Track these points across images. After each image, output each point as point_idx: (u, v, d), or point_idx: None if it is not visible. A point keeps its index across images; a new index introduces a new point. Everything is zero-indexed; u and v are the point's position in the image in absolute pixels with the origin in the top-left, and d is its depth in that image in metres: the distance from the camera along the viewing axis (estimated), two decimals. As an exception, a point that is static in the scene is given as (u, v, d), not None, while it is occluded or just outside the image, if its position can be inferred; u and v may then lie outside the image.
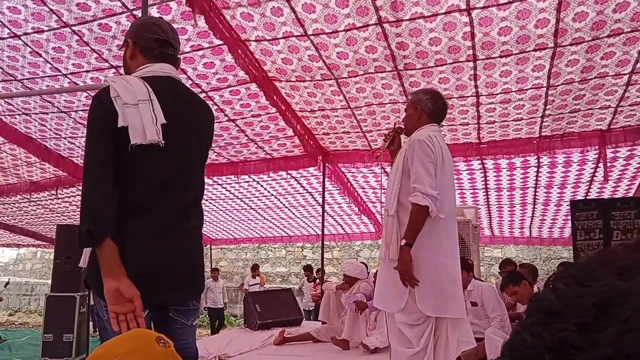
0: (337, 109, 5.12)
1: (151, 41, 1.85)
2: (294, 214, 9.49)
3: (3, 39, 3.98)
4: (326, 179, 6.82)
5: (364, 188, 7.65)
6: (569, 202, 6.99)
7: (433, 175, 2.67)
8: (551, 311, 0.43)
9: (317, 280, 10.01)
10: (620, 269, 0.44)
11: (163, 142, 1.66)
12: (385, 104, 4.89)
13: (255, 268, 11.49)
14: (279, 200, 8.67)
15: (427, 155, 2.69)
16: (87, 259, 1.72)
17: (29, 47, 4.07)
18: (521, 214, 8.44)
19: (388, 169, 3.37)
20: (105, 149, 1.64)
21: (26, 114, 5.35)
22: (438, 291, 2.67)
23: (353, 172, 7.06)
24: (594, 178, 6.52)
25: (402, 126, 3.11)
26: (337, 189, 7.56)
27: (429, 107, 2.91)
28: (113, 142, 1.64)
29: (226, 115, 5.22)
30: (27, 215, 10.14)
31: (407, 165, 2.75)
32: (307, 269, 10.93)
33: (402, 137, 3.12)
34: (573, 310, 0.42)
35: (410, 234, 2.64)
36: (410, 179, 2.71)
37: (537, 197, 7.46)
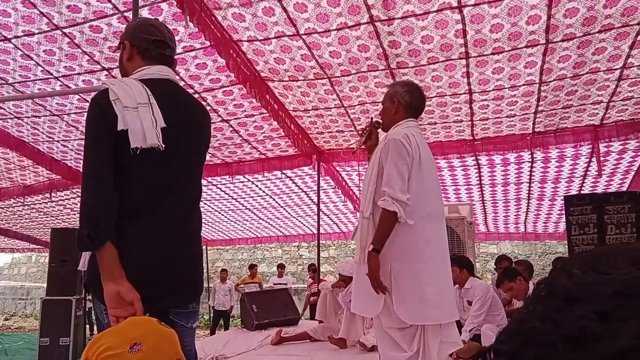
0: (331, 108, 5.12)
1: (148, 42, 1.84)
2: (289, 213, 9.48)
3: (-7, 42, 3.96)
4: (321, 178, 6.82)
5: (359, 186, 7.64)
6: (563, 197, 7.02)
7: (405, 179, 2.56)
8: (569, 297, 0.41)
9: (311, 280, 10.02)
10: (635, 259, 0.42)
11: (163, 145, 1.66)
12: (379, 102, 4.86)
13: (281, 266, 11.41)
14: (274, 200, 8.66)
15: (402, 157, 2.57)
16: (86, 262, 1.72)
17: (20, 50, 4.05)
18: (516, 209, 8.47)
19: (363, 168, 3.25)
20: (104, 153, 1.62)
21: (18, 118, 5.32)
22: (416, 298, 2.55)
23: (348, 171, 7.07)
24: (587, 172, 6.56)
25: (380, 120, 2.98)
26: (332, 188, 7.57)
27: (406, 101, 2.78)
28: (112, 146, 1.63)
29: (219, 116, 5.21)
30: (21, 219, 10.09)
31: (382, 165, 2.64)
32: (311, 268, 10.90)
33: (380, 131, 3.00)
34: (593, 297, 0.39)
35: (378, 240, 2.54)
36: (382, 181, 2.60)
37: (531, 192, 7.50)
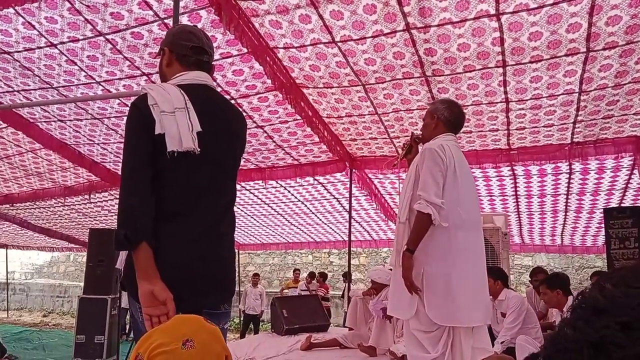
0: (365, 115, 5.12)
1: (187, 49, 1.89)
2: (320, 219, 9.50)
3: (40, 48, 4.11)
4: (353, 185, 6.82)
5: (391, 194, 7.61)
6: (602, 210, 6.83)
7: (440, 184, 2.70)
8: (596, 308, 0.44)
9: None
10: None
11: (199, 149, 1.69)
12: (413, 110, 4.87)
13: (311, 275, 11.35)
14: (305, 205, 8.69)
15: (436, 164, 2.72)
16: (123, 261, 1.76)
17: (65, 55, 4.19)
18: (552, 221, 8.27)
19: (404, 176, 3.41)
20: (142, 155, 1.67)
21: (61, 121, 5.51)
22: (449, 301, 2.66)
23: (380, 179, 7.04)
24: (629, 185, 6.35)
25: (420, 135, 3.16)
26: (364, 195, 7.55)
27: (446, 116, 2.96)
28: (150, 148, 1.67)
29: (254, 122, 5.27)
30: (61, 219, 10.41)
31: (418, 174, 2.79)
32: (322, 275, 10.92)
33: (420, 146, 3.15)
34: (618, 309, 0.43)
35: (412, 241, 2.68)
36: (418, 186, 2.75)
37: (568, 204, 7.31)
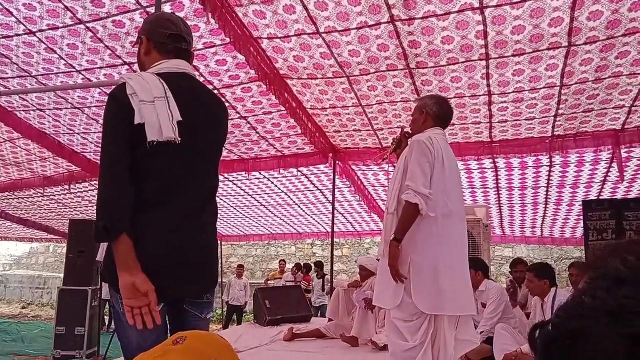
0: (349, 106, 5.12)
1: (165, 37, 1.86)
2: (304, 211, 9.50)
3: (19, 35, 4.02)
4: (337, 177, 6.83)
5: (375, 186, 7.64)
6: (581, 202, 6.94)
7: (428, 175, 2.73)
8: (618, 279, 0.46)
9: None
10: None
11: (179, 139, 1.68)
12: (397, 102, 4.88)
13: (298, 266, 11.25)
14: (289, 197, 8.69)
15: (424, 155, 2.76)
16: (104, 252, 1.75)
17: (44, 43, 4.11)
18: (533, 213, 8.39)
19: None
20: (121, 146, 1.65)
21: (40, 110, 5.41)
22: (434, 289, 2.70)
23: (364, 170, 7.06)
24: (607, 178, 6.46)
25: (410, 131, 3.20)
26: (348, 187, 7.57)
27: (435, 112, 3.00)
28: (129, 139, 1.65)
29: (238, 113, 5.24)
30: (40, 210, 10.26)
31: (407, 165, 2.82)
32: (318, 265, 10.90)
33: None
34: (638, 280, 0.45)
35: (399, 230, 2.72)
36: (406, 177, 2.78)
37: (549, 196, 7.41)
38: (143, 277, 1.61)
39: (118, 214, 1.60)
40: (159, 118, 1.65)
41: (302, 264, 11.23)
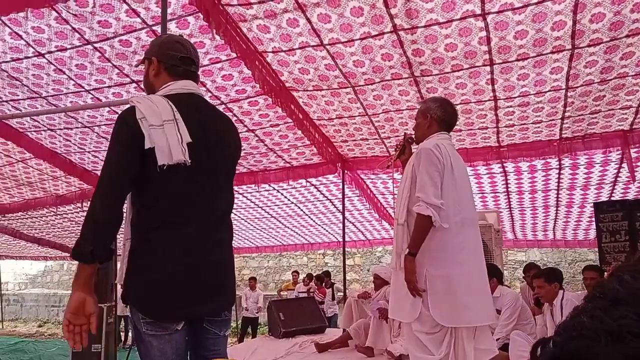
0: (355, 116, 5.15)
1: (176, 59, 1.90)
2: (314, 221, 9.52)
3: (28, 57, 4.10)
4: (346, 186, 6.84)
5: (384, 194, 7.65)
6: (592, 204, 6.89)
7: (438, 185, 2.66)
8: (615, 299, 0.46)
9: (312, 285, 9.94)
10: None
11: (189, 161, 1.70)
12: (403, 110, 4.90)
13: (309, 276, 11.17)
14: (299, 208, 8.71)
15: (433, 164, 2.69)
16: (123, 274, 1.77)
17: (53, 65, 4.19)
18: (544, 216, 8.34)
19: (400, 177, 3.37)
20: (126, 171, 1.68)
21: (51, 130, 5.49)
22: (451, 301, 2.64)
23: (372, 179, 7.07)
24: (618, 179, 6.42)
25: (413, 135, 3.12)
26: (357, 196, 7.57)
27: (439, 115, 2.92)
28: (135, 167, 1.69)
29: (245, 126, 5.29)
30: (53, 228, 10.36)
31: (415, 174, 2.76)
32: (326, 274, 10.84)
33: (414, 146, 3.12)
34: (635, 300, 0.45)
35: (413, 244, 2.65)
36: (416, 188, 2.72)
37: (559, 199, 7.37)
38: (95, 300, 1.66)
39: (105, 241, 1.66)
40: (168, 142, 1.68)
41: (313, 274, 11.21)
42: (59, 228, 10.26)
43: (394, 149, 3.30)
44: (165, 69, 1.91)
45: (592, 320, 0.46)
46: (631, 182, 6.02)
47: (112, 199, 1.66)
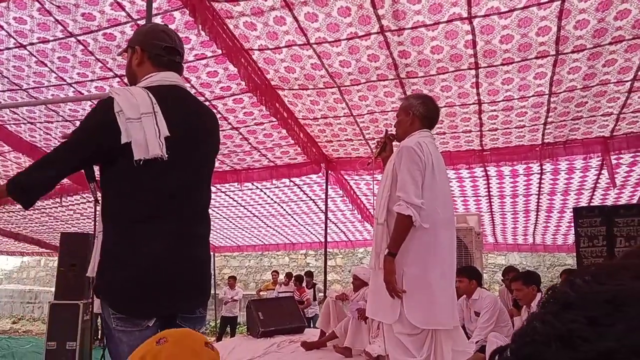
0: (340, 116, 5.14)
1: (160, 49, 1.87)
2: (297, 221, 9.49)
3: (9, 49, 4.02)
4: (329, 186, 6.83)
5: (367, 195, 7.65)
6: (572, 209, 6.98)
7: (419, 184, 2.62)
8: (565, 303, 0.46)
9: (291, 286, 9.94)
10: (637, 273, 0.47)
11: (166, 155, 1.67)
12: (388, 111, 4.91)
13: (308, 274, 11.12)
14: (282, 207, 8.68)
15: (414, 162, 2.65)
16: (95, 267, 1.74)
17: (35, 56, 4.11)
18: (524, 221, 8.43)
19: (379, 177, 3.33)
20: (81, 155, 1.72)
21: (31, 123, 5.39)
22: (428, 304, 2.61)
23: (356, 180, 7.07)
24: (597, 185, 6.52)
25: (394, 132, 3.07)
26: (340, 196, 7.57)
27: (421, 112, 2.88)
28: (90, 155, 1.73)
29: (229, 124, 5.25)
30: (31, 223, 10.18)
31: (396, 173, 2.71)
32: (308, 274, 10.83)
33: (395, 143, 3.08)
34: (586, 304, 0.45)
35: (393, 244, 2.61)
36: (396, 187, 2.68)
37: (540, 204, 7.46)
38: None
39: (39, 193, 1.71)
40: (146, 135, 1.65)
41: (293, 274, 11.19)
42: (36, 223, 10.08)
43: (374, 146, 3.24)
44: (149, 58, 1.87)
45: (543, 325, 0.45)
46: (611, 187, 6.11)
47: (54, 169, 1.70)
